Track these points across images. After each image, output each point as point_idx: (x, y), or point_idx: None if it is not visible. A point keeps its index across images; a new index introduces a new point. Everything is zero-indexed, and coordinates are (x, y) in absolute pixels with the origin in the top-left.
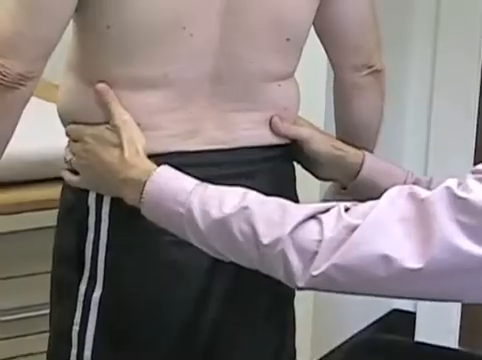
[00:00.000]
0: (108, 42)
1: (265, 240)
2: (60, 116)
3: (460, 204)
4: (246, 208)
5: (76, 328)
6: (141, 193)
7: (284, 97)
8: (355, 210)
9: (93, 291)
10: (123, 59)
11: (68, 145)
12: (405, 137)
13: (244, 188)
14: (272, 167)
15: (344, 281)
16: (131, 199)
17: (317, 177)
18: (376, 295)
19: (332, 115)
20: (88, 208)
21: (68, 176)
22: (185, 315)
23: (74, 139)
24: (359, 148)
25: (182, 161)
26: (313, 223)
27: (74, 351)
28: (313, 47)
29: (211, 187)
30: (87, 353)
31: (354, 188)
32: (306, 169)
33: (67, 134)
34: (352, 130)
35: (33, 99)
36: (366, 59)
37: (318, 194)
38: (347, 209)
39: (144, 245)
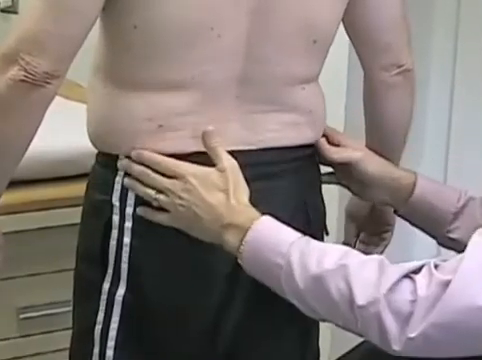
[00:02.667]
0: (134, 42)
1: (360, 301)
2: (90, 122)
3: None
4: (345, 266)
5: (99, 327)
6: (241, 240)
7: (308, 100)
8: (444, 266)
9: (116, 290)
10: (149, 60)
11: (141, 175)
12: (426, 132)
13: (345, 247)
14: (297, 168)
15: (444, 339)
16: (231, 246)
17: (367, 200)
18: (476, 352)
19: (352, 119)
20: (112, 207)
21: (151, 214)
22: (207, 317)
23: (171, 175)
24: (392, 153)
25: (207, 161)
26: (407, 283)
27: (96, 350)
28: (334, 51)
29: (313, 241)
30: (109, 352)
31: (409, 211)
32: (354, 193)
33: (148, 166)
34: (381, 130)
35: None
36: (396, 58)
37: (337, 197)
38: (436, 266)
39: (168, 247)
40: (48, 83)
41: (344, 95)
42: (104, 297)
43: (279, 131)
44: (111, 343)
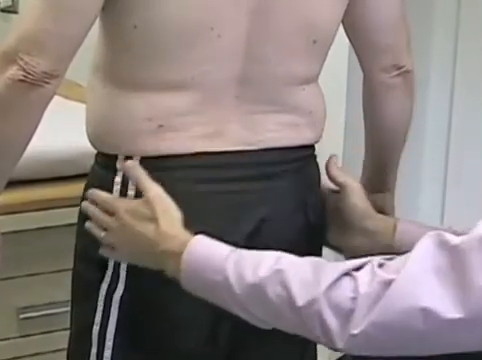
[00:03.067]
0: (134, 42)
1: (300, 302)
2: (89, 122)
3: None
4: (280, 271)
5: (96, 327)
6: (178, 265)
7: (308, 101)
8: (389, 265)
9: (115, 291)
10: (149, 60)
11: (92, 216)
12: (426, 134)
13: (278, 252)
14: (297, 169)
15: (385, 339)
16: (171, 271)
17: (343, 244)
18: (417, 353)
19: (352, 120)
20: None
21: (105, 252)
22: (206, 317)
23: (106, 211)
24: (392, 154)
25: (207, 162)
26: (347, 280)
27: (94, 350)
28: (334, 52)
29: (246, 252)
30: (107, 352)
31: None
32: (331, 237)
33: (91, 200)
34: (381, 131)
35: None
36: (396, 59)
37: None
38: (381, 265)
39: None
40: (47, 83)
41: (344, 96)
42: (102, 297)
43: (279, 131)
44: (109, 343)
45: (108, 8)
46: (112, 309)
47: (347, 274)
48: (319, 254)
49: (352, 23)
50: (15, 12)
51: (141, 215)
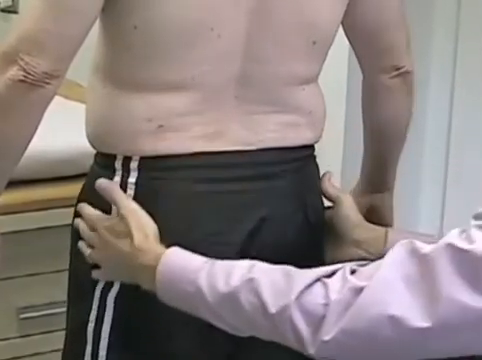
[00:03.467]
0: (134, 43)
1: (272, 309)
2: (89, 122)
3: (461, 257)
4: (252, 280)
5: (91, 326)
6: (153, 279)
7: (308, 101)
8: (360, 272)
9: (110, 289)
10: (149, 60)
11: (81, 233)
12: (426, 134)
13: (250, 261)
14: (297, 169)
15: (354, 345)
16: (148, 285)
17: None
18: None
19: (352, 120)
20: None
21: (94, 273)
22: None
23: (90, 227)
24: (391, 154)
25: (206, 162)
26: (318, 287)
27: (89, 349)
28: (334, 53)
29: (219, 262)
30: (102, 351)
31: None
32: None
33: (79, 215)
34: (380, 132)
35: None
36: (395, 60)
37: None
38: (353, 271)
39: None
40: (47, 83)
41: (344, 96)
42: (97, 296)
43: (279, 132)
44: (104, 342)
45: (108, 9)
46: (107, 308)
47: (318, 280)
48: (319, 254)
49: (352, 24)
50: (15, 12)
51: (117, 231)
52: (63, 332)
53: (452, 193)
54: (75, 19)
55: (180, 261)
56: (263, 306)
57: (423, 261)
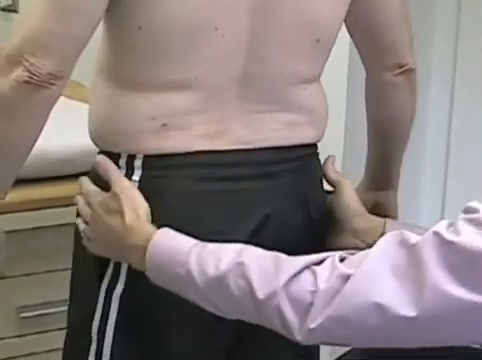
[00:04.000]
0: (139, 43)
1: (260, 295)
2: (92, 121)
3: (448, 248)
4: (241, 264)
5: (96, 324)
6: (143, 259)
7: (311, 100)
8: (350, 260)
9: (115, 287)
10: (153, 60)
11: (77, 213)
12: (426, 134)
13: (241, 245)
14: (299, 167)
15: (341, 333)
16: (137, 265)
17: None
18: (374, 346)
19: (353, 119)
20: None
21: (85, 242)
22: (206, 316)
23: (86, 202)
24: (394, 153)
25: (209, 160)
26: (307, 274)
27: (93, 347)
28: (335, 51)
29: (209, 245)
30: (106, 350)
31: None
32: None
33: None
34: (383, 129)
35: None
36: (399, 58)
37: None
38: (342, 259)
39: None
40: (52, 84)
41: (345, 96)
42: (102, 294)
43: (281, 130)
44: (108, 340)
45: (112, 9)
46: (112, 306)
47: (307, 268)
48: (322, 251)
49: (355, 21)
50: (15, 11)
51: (109, 208)
52: (58, 332)
53: (452, 192)
54: (79, 20)
55: (171, 242)
56: (251, 291)
57: (411, 251)
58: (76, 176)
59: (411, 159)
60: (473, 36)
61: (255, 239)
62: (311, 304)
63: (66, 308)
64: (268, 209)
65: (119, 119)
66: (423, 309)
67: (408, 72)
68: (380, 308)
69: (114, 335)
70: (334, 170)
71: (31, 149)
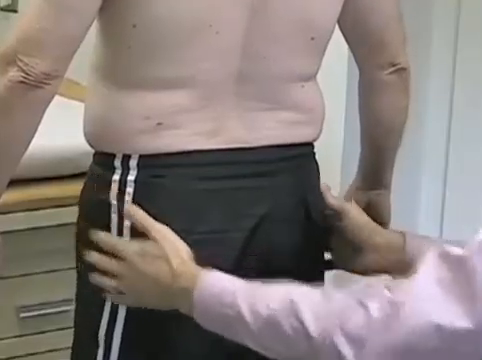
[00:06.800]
0: (133, 41)
1: (314, 333)
2: (87, 121)
3: None
4: (292, 302)
5: (103, 329)
6: (191, 304)
7: (308, 98)
8: (397, 288)
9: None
10: (148, 58)
11: (98, 265)
12: (426, 134)
13: (287, 283)
14: (295, 166)
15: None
16: (185, 310)
17: (357, 267)
18: None
19: (352, 119)
20: (110, 206)
21: (113, 298)
22: None
23: (116, 256)
24: (387, 152)
25: (204, 160)
26: (359, 309)
27: (101, 352)
28: (334, 51)
29: (255, 284)
30: (114, 354)
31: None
32: (344, 261)
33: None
34: (376, 128)
35: None
36: (391, 57)
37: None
38: (389, 288)
39: None
40: (47, 83)
41: (344, 95)
42: (109, 300)
43: (278, 129)
44: (116, 345)
45: (106, 8)
46: (119, 311)
47: (357, 300)
48: (320, 250)
49: (348, 20)
50: (15, 11)
51: (152, 255)
52: (57, 332)
53: (452, 192)
54: (73, 19)
55: (216, 284)
56: (305, 330)
57: (457, 264)
58: (74, 176)
59: (411, 158)
60: (473, 36)
61: (253, 238)
62: (366, 337)
63: (66, 308)
64: (267, 208)
65: (114, 119)
66: (479, 319)
67: (401, 71)
68: (437, 327)
69: (122, 340)
70: (333, 196)
71: (26, 149)
